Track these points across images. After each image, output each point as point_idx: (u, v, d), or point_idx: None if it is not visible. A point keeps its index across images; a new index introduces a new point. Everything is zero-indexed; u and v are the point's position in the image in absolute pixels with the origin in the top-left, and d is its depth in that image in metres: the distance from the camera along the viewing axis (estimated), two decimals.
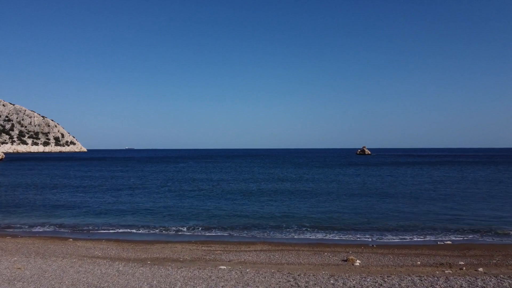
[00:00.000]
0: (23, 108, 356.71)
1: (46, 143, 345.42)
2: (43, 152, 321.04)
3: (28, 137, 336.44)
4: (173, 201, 32.01)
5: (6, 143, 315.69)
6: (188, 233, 20.48)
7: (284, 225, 22.27)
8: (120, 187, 43.74)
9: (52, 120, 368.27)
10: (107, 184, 46.75)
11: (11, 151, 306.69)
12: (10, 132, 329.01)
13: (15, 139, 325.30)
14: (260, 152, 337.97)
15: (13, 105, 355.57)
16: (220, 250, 15.96)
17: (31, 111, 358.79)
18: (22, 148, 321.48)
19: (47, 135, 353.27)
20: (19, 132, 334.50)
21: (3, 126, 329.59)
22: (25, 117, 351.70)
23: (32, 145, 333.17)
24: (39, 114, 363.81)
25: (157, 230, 21.34)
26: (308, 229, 21.14)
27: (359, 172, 65.13)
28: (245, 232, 20.63)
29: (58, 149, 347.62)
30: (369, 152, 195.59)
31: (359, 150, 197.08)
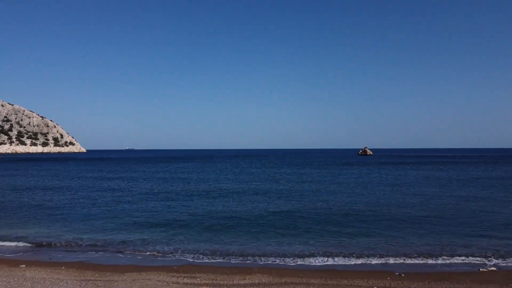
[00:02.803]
0: (22, 108, 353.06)
1: (45, 144, 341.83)
2: (42, 153, 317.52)
3: (27, 138, 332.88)
4: (161, 209, 28.40)
5: (5, 143, 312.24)
6: (170, 255, 16.85)
7: (286, 243, 18.71)
8: (104, 192, 40.17)
9: (51, 121, 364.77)
10: (91, 189, 43.19)
11: (9, 151, 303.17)
12: (9, 132, 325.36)
13: (14, 139, 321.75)
14: (261, 153, 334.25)
15: (12, 105, 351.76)
16: (206, 284, 12.36)
17: (30, 111, 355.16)
18: (20, 149, 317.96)
19: (46, 136, 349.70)
20: (17, 132, 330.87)
21: (2, 127, 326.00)
22: (24, 117, 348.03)
23: (30, 145, 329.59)
24: (38, 115, 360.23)
25: (133, 249, 17.72)
26: (315, 248, 17.54)
27: (362, 175, 61.48)
28: (240, 252, 16.95)
29: (57, 149, 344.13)
30: (371, 153, 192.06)
31: (360, 151, 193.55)
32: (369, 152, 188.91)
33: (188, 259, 16.06)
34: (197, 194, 37.76)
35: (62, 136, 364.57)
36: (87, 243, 18.91)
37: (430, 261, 15.63)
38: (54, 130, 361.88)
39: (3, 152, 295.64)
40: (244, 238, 19.55)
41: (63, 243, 19.04)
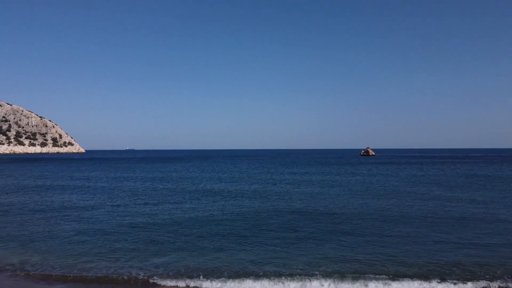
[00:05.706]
0: (21, 108, 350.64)
1: (43, 144, 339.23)
2: (40, 153, 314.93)
3: (25, 138, 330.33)
4: (144, 218, 24.95)
5: (3, 144, 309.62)
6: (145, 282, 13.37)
7: (284, 272, 15.17)
8: (83, 197, 36.68)
9: (50, 121, 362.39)
10: (71, 192, 39.79)
11: (7, 152, 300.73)
12: (7, 132, 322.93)
13: (12, 139, 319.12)
14: (261, 153, 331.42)
15: (10, 105, 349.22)
16: None
17: (29, 111, 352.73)
18: (19, 149, 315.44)
19: (44, 136, 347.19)
20: (16, 132, 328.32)
21: (0, 127, 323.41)
22: (22, 117, 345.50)
23: (29, 146, 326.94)
24: (37, 115, 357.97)
25: (101, 272, 14.24)
26: (320, 278, 14.05)
27: (365, 177, 58.04)
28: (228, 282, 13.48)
29: (55, 150, 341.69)
30: (373, 153, 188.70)
31: (363, 151, 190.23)
32: (371, 152, 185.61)
33: None
34: (188, 199, 34.21)
35: (61, 136, 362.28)
36: (37, 271, 15.48)
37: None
38: (53, 130, 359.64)
39: (1, 152, 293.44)
40: (234, 255, 15.99)
41: (8, 273, 15.62)
